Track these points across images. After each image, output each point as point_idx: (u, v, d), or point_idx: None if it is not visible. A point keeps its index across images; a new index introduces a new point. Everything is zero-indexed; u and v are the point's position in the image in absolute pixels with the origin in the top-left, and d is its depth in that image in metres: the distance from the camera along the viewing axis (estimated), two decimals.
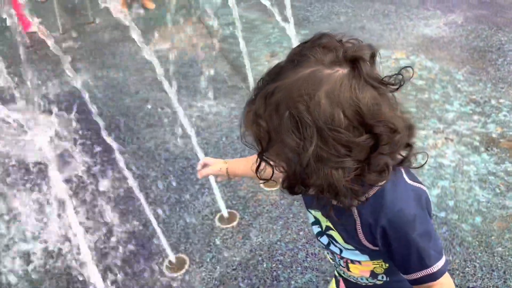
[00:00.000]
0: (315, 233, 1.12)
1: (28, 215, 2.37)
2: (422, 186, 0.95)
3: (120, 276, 2.07)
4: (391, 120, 0.81)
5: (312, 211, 1.10)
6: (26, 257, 2.21)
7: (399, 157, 0.89)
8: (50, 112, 2.35)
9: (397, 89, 0.84)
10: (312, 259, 2.05)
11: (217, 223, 2.31)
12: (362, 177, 0.83)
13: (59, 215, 2.27)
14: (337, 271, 1.20)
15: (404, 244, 0.89)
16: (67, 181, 2.48)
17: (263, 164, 0.89)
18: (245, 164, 1.37)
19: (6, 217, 2.35)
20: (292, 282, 1.96)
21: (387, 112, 0.81)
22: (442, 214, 2.19)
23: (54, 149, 1.86)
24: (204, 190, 2.50)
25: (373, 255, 1.03)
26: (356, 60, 0.79)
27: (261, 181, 1.02)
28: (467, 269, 1.93)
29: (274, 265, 2.05)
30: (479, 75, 3.24)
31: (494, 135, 2.66)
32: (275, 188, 2.47)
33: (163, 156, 2.81)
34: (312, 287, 1.93)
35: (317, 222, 1.10)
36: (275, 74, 0.85)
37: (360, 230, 0.95)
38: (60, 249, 2.23)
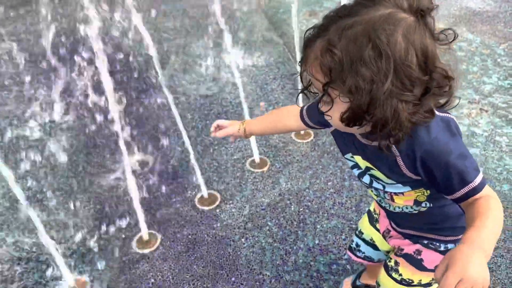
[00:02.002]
0: (356, 174, 1.20)
1: None
2: (449, 115, 1.01)
3: (154, 206, 2.19)
4: (445, 68, 0.91)
5: (348, 156, 1.17)
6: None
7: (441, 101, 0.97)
8: None
9: (447, 44, 0.92)
10: (338, 208, 2.12)
11: (248, 167, 2.39)
12: (415, 115, 0.90)
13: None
14: (381, 205, 1.27)
15: (444, 168, 0.95)
16: None
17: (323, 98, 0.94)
18: (261, 122, 1.47)
19: None
20: (318, 226, 2.04)
21: (440, 62, 0.91)
22: None
23: None
24: None
25: (414, 185, 1.10)
26: (426, 12, 0.89)
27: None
28: None
29: (301, 209, 2.13)
30: None
31: None
32: (306, 140, 2.53)
33: (200, 101, 2.88)
34: (337, 232, 2.01)
35: (356, 165, 1.17)
36: (349, 11, 0.90)
37: (402, 163, 1.02)
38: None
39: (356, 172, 1.19)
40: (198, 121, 2.71)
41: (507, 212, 2.06)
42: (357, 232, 1.54)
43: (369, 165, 1.11)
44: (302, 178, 2.30)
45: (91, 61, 2.87)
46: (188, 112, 2.77)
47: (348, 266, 1.87)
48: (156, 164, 2.42)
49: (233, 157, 2.46)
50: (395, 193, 1.15)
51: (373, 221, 1.46)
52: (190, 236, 2.04)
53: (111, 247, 2.00)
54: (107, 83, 1.65)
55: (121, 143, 1.84)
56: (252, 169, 2.38)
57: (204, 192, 2.21)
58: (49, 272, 1.89)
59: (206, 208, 2.17)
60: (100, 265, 1.92)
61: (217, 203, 2.19)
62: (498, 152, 2.39)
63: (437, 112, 0.98)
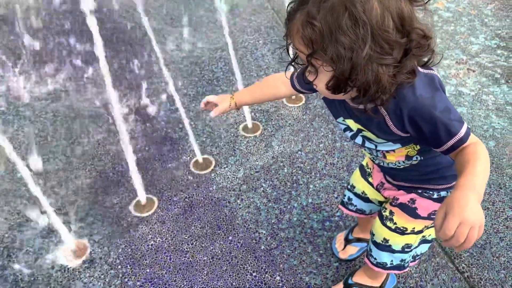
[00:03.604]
0: (349, 136, 1.24)
1: None
2: (432, 71, 1.05)
3: (150, 171, 2.22)
4: (422, 28, 0.94)
5: (340, 120, 1.21)
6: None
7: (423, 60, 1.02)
8: None
9: (422, 4, 0.96)
10: (330, 168, 2.18)
11: (241, 132, 2.43)
12: (396, 76, 0.95)
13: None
14: (376, 163, 1.33)
15: (430, 122, 1.00)
16: None
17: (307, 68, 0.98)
18: (251, 92, 1.49)
19: None
20: (311, 186, 2.10)
21: (418, 23, 0.94)
22: None
23: None
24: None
25: (404, 142, 1.15)
26: None
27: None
28: None
29: (294, 170, 2.19)
30: (507, 11, 3.22)
31: None
32: (297, 105, 2.57)
33: (191, 67, 2.88)
34: (330, 191, 2.07)
35: (348, 128, 1.21)
36: None
37: (390, 122, 1.06)
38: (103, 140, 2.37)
39: (348, 134, 1.23)
40: (190, 88, 2.72)
41: (492, 167, 2.14)
42: (349, 187, 1.59)
43: (360, 127, 1.16)
44: (294, 141, 2.35)
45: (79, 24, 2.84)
46: (179, 80, 2.78)
47: (341, 223, 1.94)
48: (151, 131, 2.44)
49: (226, 123, 2.49)
50: (387, 151, 1.20)
51: (365, 175, 1.51)
52: (186, 199, 2.09)
53: (110, 212, 2.04)
54: (99, 49, 1.64)
55: (117, 112, 1.85)
56: (245, 134, 2.42)
57: (199, 156, 2.25)
58: (50, 238, 1.94)
59: (201, 172, 2.21)
60: (100, 229, 1.97)
61: (212, 167, 2.23)
62: (484, 111, 2.45)
63: (421, 70, 1.02)
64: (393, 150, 1.19)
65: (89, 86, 2.41)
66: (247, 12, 3.38)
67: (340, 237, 1.84)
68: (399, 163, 1.24)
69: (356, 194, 1.56)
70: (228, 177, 2.18)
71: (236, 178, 2.17)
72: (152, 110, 2.56)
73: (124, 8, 3.42)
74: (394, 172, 1.32)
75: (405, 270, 1.50)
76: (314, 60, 0.94)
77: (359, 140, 1.22)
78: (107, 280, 1.79)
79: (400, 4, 0.91)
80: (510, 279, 1.71)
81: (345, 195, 1.62)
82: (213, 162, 2.26)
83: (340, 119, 1.21)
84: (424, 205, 1.31)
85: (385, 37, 0.89)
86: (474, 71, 2.72)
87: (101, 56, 1.64)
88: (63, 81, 2.76)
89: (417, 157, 1.20)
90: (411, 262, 1.50)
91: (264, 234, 1.92)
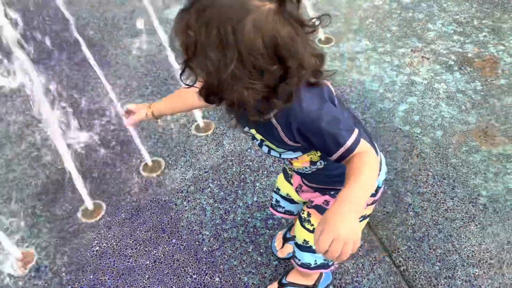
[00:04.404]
0: (257, 145, 1.25)
1: None
2: (323, 83, 1.05)
3: (99, 176, 2.24)
4: (302, 57, 0.93)
5: (247, 130, 1.21)
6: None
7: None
8: None
9: (313, 31, 0.96)
10: (278, 165, 2.19)
11: (194, 132, 2.43)
12: (270, 100, 0.96)
13: None
14: (288, 167, 1.35)
15: (318, 134, 1.01)
16: None
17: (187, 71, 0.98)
18: (169, 102, 1.46)
19: None
20: (257, 184, 2.12)
21: (300, 50, 0.93)
22: (406, 128, 2.30)
23: None
24: None
25: (304, 150, 1.16)
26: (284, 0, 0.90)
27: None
28: (420, 176, 2.07)
29: (242, 169, 2.20)
30: None
31: (470, 55, 2.69)
32: None
33: (147, 67, 2.87)
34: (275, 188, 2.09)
35: (254, 137, 1.22)
36: None
37: (283, 134, 1.08)
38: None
39: (256, 143, 1.24)
40: (144, 89, 2.71)
41: (438, 157, 2.15)
42: (275, 189, 1.61)
43: (261, 137, 1.18)
44: (244, 139, 2.35)
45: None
46: (134, 80, 2.77)
47: (283, 220, 1.96)
48: (101, 135, 2.45)
49: (178, 123, 2.49)
50: (291, 159, 1.22)
51: (288, 177, 1.53)
52: (134, 203, 2.10)
53: (58, 220, 2.06)
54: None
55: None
56: (197, 133, 2.42)
57: (148, 159, 2.26)
58: None
59: (150, 175, 2.23)
60: (47, 237, 1.99)
61: (162, 169, 2.25)
62: (435, 100, 2.45)
63: (310, 81, 1.02)
64: (296, 158, 1.21)
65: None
66: None
67: (279, 236, 1.86)
68: (306, 168, 1.25)
69: (282, 196, 1.58)
70: (176, 179, 2.20)
71: (185, 179, 2.19)
72: (102, 112, 2.56)
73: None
74: (306, 175, 1.34)
75: (331, 268, 1.53)
76: (192, 66, 0.95)
77: (265, 149, 1.23)
78: None
79: (277, 29, 0.89)
80: (445, 271, 1.73)
81: (273, 198, 1.63)
82: (163, 164, 2.27)
83: (247, 129, 1.22)
84: None
85: (253, 61, 0.89)
86: (428, 58, 2.71)
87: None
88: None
89: (321, 162, 1.22)
90: None
91: (207, 235, 1.94)
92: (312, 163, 1.22)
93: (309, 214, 1.40)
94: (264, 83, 0.92)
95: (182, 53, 0.96)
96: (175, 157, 2.31)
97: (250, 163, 2.22)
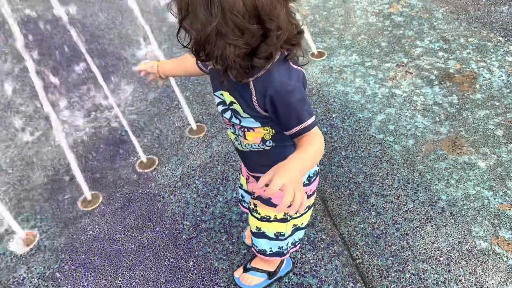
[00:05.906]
0: (220, 111, 1.38)
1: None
2: (301, 68, 1.23)
3: (99, 171, 2.50)
4: (279, 21, 1.08)
5: (218, 93, 1.36)
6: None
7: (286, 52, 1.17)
8: None
9: (293, 0, 1.12)
10: None
11: (187, 134, 2.67)
12: (251, 59, 1.11)
13: None
14: (236, 147, 1.49)
15: (286, 107, 1.18)
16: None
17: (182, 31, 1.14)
18: (173, 63, 1.65)
19: None
20: (238, 182, 2.32)
21: (280, 14, 1.08)
22: (380, 136, 2.47)
23: None
24: (180, 106, 2.84)
25: (263, 122, 1.30)
26: None
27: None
28: (386, 180, 2.23)
29: (226, 168, 2.42)
30: (457, 14, 3.34)
31: (451, 71, 2.84)
32: None
33: None
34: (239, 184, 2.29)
35: (221, 102, 1.35)
36: None
37: (255, 98, 1.22)
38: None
39: (220, 108, 1.37)
40: (142, 93, 2.98)
41: (406, 163, 2.31)
42: (239, 185, 1.81)
43: (232, 99, 1.30)
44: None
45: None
46: (131, 82, 3.05)
47: None
48: (104, 135, 2.72)
49: (174, 125, 2.74)
50: (248, 129, 1.34)
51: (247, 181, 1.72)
52: (127, 195, 2.35)
53: (60, 207, 2.33)
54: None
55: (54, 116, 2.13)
56: (190, 136, 2.66)
57: (143, 157, 2.51)
58: (2, 229, 2.24)
59: (144, 170, 2.47)
60: (50, 221, 2.26)
61: (155, 166, 2.49)
62: (412, 111, 2.61)
63: (293, 65, 1.19)
64: (253, 129, 1.33)
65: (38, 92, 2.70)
66: None
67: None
68: (254, 145, 1.39)
69: (245, 191, 1.78)
70: (167, 175, 2.43)
71: (174, 176, 2.42)
72: (107, 114, 2.83)
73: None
74: (250, 158, 1.47)
75: (287, 256, 1.72)
76: (185, 25, 1.12)
77: (228, 114, 1.35)
78: (47, 264, 2.07)
79: None
80: (396, 265, 1.89)
81: (238, 193, 1.83)
82: (157, 162, 2.52)
83: (218, 93, 1.35)
84: (276, 195, 1.50)
85: (234, 20, 1.04)
86: (411, 73, 2.87)
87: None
88: None
89: (270, 142, 1.36)
90: (292, 248, 1.72)
91: (188, 225, 2.16)
92: (263, 140, 1.36)
93: (255, 205, 1.58)
94: (245, 40, 1.07)
95: (178, 15, 1.13)
96: (168, 156, 2.55)
97: (234, 163, 2.44)
